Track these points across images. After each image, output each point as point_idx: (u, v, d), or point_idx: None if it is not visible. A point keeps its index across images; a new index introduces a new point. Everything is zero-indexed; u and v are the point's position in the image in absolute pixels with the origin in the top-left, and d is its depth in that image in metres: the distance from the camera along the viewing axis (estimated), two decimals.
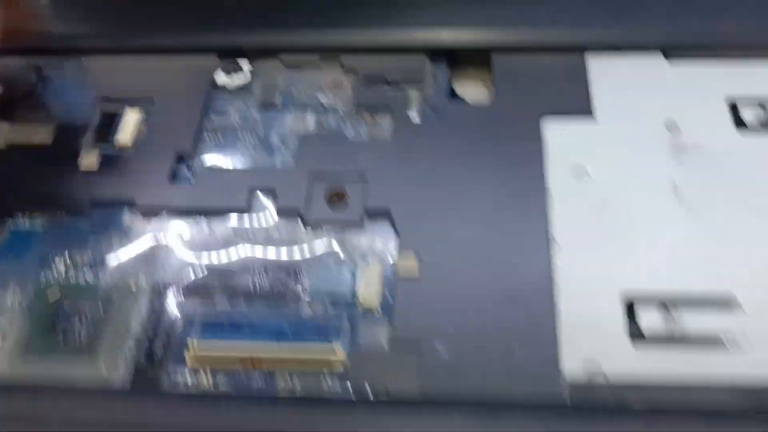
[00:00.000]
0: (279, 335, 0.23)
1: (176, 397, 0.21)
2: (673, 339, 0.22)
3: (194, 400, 0.21)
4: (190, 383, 0.22)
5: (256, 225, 0.26)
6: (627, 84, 0.28)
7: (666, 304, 0.22)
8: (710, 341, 0.22)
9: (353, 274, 0.24)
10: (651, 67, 0.29)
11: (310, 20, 0.30)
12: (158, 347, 0.23)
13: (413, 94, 0.29)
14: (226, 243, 0.25)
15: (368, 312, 0.23)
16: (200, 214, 0.26)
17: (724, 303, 0.22)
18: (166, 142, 0.28)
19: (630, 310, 0.23)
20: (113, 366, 0.22)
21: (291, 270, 0.24)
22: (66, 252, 0.25)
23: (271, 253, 0.25)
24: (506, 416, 0.20)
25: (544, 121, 0.27)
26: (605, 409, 0.20)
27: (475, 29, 0.30)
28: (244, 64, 0.30)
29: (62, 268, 0.25)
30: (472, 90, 0.30)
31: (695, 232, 0.24)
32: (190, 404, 0.21)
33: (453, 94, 0.30)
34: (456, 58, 0.30)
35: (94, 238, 0.26)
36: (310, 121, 0.29)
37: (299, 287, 0.24)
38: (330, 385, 0.22)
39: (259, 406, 0.21)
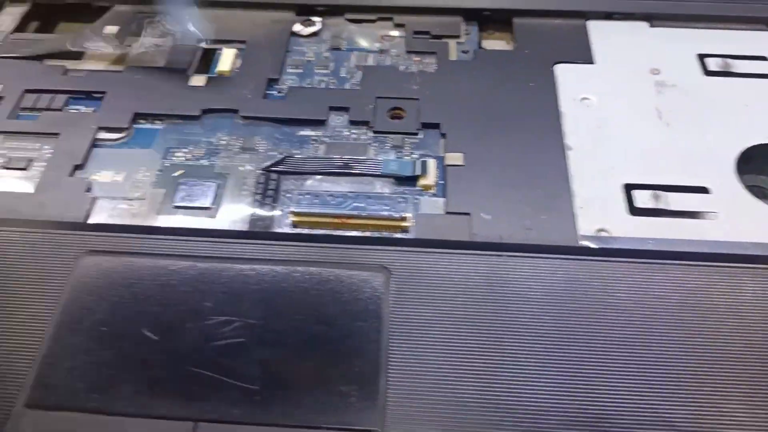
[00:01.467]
0: (361, 208, 0.29)
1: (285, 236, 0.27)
2: (661, 213, 0.28)
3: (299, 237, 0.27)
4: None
5: (330, 132, 0.32)
6: (620, 43, 0.35)
7: (655, 189, 0.29)
8: (687, 215, 0.28)
9: (414, 164, 0.30)
10: (638, 30, 0.36)
11: None
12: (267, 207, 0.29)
13: (451, 44, 0.36)
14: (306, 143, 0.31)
15: (427, 190, 0.29)
16: (288, 123, 0.32)
17: (698, 189, 0.29)
18: (259, 71, 0.34)
19: (628, 193, 0.29)
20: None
21: (367, 162, 0.30)
22: (184, 146, 0.31)
23: (349, 151, 0.31)
24: (539, 253, 0.26)
25: (555, 66, 0.34)
26: (608, 252, 0.26)
27: None
28: (317, 18, 0.37)
29: (181, 156, 0.31)
30: (496, 46, 0.37)
31: (672, 140, 0.31)
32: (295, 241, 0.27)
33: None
34: (484, 20, 0.37)
35: (206, 137, 0.32)
36: (370, 59, 0.35)
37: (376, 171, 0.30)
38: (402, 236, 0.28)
39: (346, 245, 0.27)
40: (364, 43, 0.36)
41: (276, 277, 0.25)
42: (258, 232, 0.28)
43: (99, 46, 0.35)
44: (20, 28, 0.38)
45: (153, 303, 0.25)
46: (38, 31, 0.39)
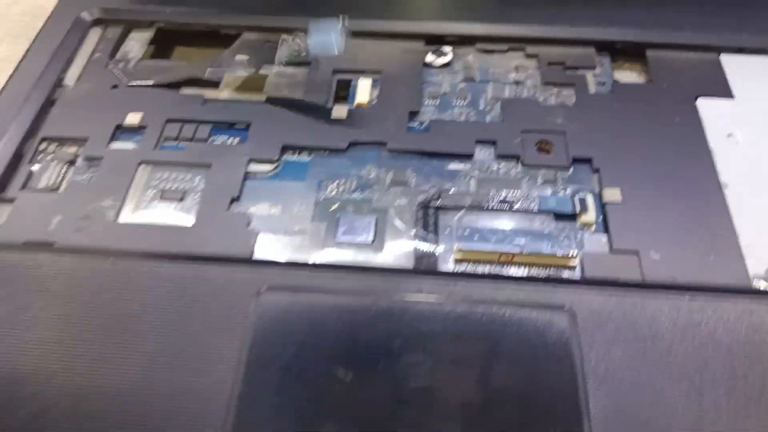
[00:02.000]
0: (524, 245, 0.28)
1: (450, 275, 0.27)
2: None
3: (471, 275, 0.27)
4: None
5: (479, 166, 0.32)
6: (756, 77, 0.35)
7: None
8: None
9: (573, 200, 0.30)
10: None
11: (500, 13, 0.37)
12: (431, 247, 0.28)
13: (589, 76, 0.35)
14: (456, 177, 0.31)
15: (587, 227, 0.29)
16: (435, 156, 0.32)
17: None
18: (397, 102, 0.34)
19: None
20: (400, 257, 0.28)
21: (526, 196, 0.30)
22: (334, 179, 0.31)
23: (501, 185, 0.31)
24: (708, 294, 0.26)
25: (698, 101, 0.34)
26: None
27: (632, 29, 0.36)
28: (447, 48, 0.36)
29: (333, 189, 0.31)
30: (628, 77, 0.37)
31: None
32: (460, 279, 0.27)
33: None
34: (616, 51, 0.37)
35: (354, 169, 0.31)
36: (506, 91, 0.35)
37: (533, 207, 0.30)
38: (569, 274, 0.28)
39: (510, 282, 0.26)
40: (496, 74, 0.36)
41: (459, 316, 0.25)
42: (428, 270, 0.28)
43: (237, 73, 0.34)
44: (149, 55, 0.38)
45: (339, 342, 0.25)
46: (154, 56, 0.39)
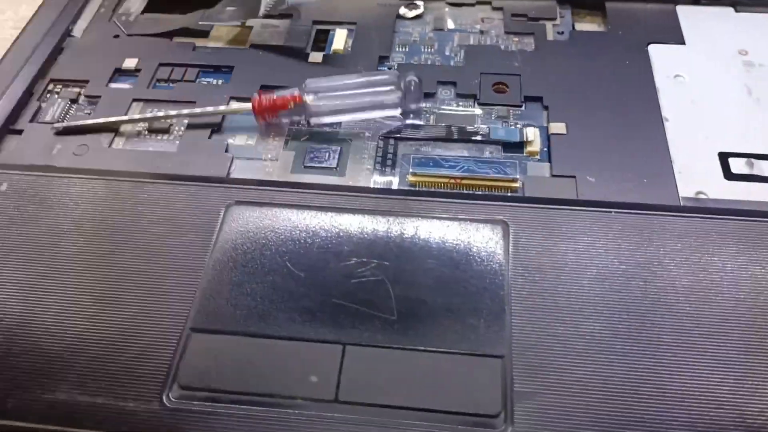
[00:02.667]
0: (472, 170, 0.31)
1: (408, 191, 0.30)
2: (755, 178, 0.30)
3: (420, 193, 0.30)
4: None
5: (439, 103, 0.34)
6: (708, 26, 0.37)
7: (749, 157, 0.31)
8: None
9: (520, 131, 0.32)
10: (724, 15, 0.38)
11: None
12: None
13: (548, 26, 0.38)
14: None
15: (532, 155, 0.32)
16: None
17: None
18: (370, 49, 0.37)
19: (723, 161, 0.31)
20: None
21: (476, 131, 0.33)
22: None
23: (458, 121, 0.33)
24: (639, 211, 0.28)
25: (650, 47, 0.36)
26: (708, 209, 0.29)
27: None
28: (419, 2, 0.39)
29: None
30: (587, 28, 0.39)
31: (763, 114, 0.32)
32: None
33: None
34: (577, 4, 0.39)
35: None
36: (471, 40, 0.38)
37: (480, 138, 0.32)
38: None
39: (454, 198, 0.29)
40: (464, 25, 0.39)
41: (406, 226, 0.28)
42: (383, 188, 0.30)
43: (224, 23, 0.38)
44: (148, 9, 0.41)
45: (297, 246, 0.28)
46: (154, 9, 0.42)
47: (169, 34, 0.39)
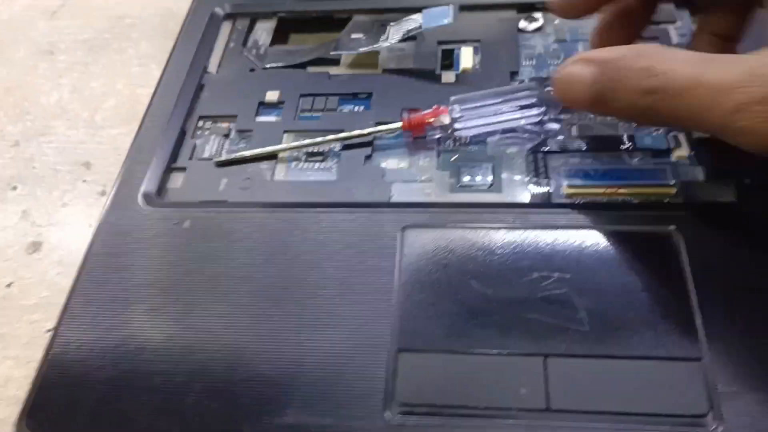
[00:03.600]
0: (626, 179, 0.32)
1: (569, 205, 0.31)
2: None
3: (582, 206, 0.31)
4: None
5: (578, 114, 0.36)
6: None
7: None
8: None
9: (666, 137, 0.33)
10: None
11: None
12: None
13: (670, 29, 0.39)
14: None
15: (681, 159, 0.33)
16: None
17: None
18: (498, 65, 0.38)
19: None
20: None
21: (621, 139, 0.34)
22: None
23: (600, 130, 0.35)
24: None
25: None
26: None
27: None
28: (538, 14, 0.40)
29: (450, 142, 0.35)
30: None
31: None
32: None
33: None
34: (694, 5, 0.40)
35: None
36: None
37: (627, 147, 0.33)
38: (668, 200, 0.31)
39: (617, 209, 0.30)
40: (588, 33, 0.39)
41: (577, 238, 0.29)
42: (543, 203, 0.32)
43: (356, 50, 0.39)
44: (275, 40, 0.43)
45: (477, 264, 0.29)
46: (275, 41, 0.44)
47: (302, 65, 0.40)
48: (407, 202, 0.33)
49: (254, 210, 0.33)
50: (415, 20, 0.38)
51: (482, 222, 0.31)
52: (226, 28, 0.44)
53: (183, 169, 0.36)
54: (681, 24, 0.39)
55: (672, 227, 0.29)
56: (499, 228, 0.30)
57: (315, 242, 0.31)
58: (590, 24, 0.39)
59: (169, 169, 0.36)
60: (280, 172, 0.35)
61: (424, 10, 0.38)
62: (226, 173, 0.35)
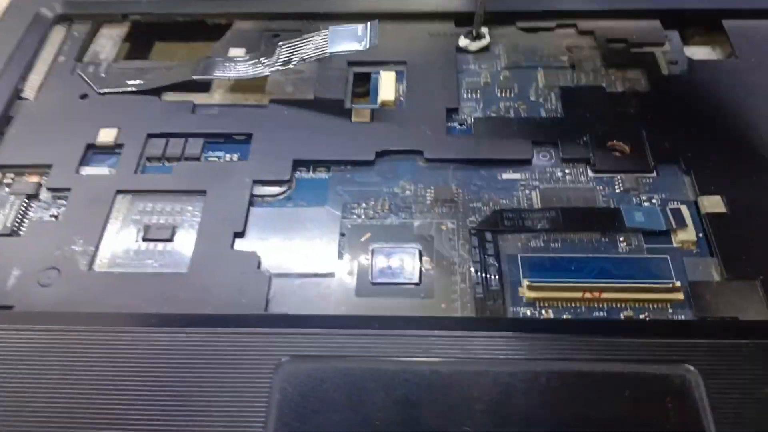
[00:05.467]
0: (610, 274, 0.22)
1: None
2: None
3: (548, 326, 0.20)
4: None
5: (539, 174, 0.25)
6: None
7: None
8: None
9: (665, 213, 0.23)
10: None
11: None
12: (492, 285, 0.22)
13: (658, 54, 0.29)
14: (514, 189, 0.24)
15: (686, 246, 0.23)
16: (484, 164, 0.25)
17: None
18: (430, 98, 0.27)
19: None
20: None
21: (602, 212, 0.24)
22: (362, 200, 0.24)
23: (572, 198, 0.24)
24: None
25: None
26: None
27: None
28: (483, 29, 0.30)
29: (361, 212, 0.24)
30: (701, 53, 0.30)
31: None
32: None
33: None
34: (684, 24, 0.30)
35: (386, 186, 0.25)
36: (560, 77, 0.28)
37: (614, 226, 0.23)
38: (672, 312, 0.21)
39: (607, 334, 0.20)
40: (544, 57, 0.29)
41: (553, 381, 0.19)
42: (495, 319, 0.21)
43: (231, 74, 0.27)
44: (121, 53, 0.31)
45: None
46: (131, 54, 0.32)
47: (155, 91, 0.28)
48: (287, 316, 0.21)
49: (50, 326, 0.20)
50: (316, 41, 0.26)
51: (404, 351, 0.20)
52: (57, 34, 0.31)
53: None
54: (668, 47, 0.29)
55: (687, 367, 0.19)
56: (428, 366, 0.19)
57: (144, 382, 0.19)
58: (549, 44, 0.29)
59: None
60: (104, 258, 0.23)
61: (332, 28, 0.26)
62: (21, 258, 0.23)
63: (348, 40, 0.26)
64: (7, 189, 0.25)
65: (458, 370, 0.19)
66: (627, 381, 0.19)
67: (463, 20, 0.30)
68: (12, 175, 0.26)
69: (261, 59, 0.27)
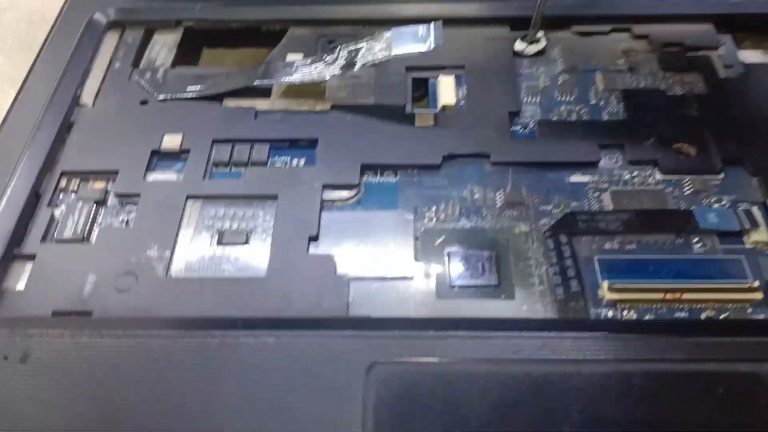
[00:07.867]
0: (688, 275, 0.22)
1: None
2: None
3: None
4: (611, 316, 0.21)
5: (607, 176, 0.25)
6: None
7: None
8: None
9: (738, 214, 0.23)
10: None
11: None
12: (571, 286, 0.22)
13: (715, 58, 0.29)
14: (583, 192, 0.25)
15: (760, 246, 0.23)
16: (551, 167, 0.25)
17: None
18: (491, 101, 0.27)
19: None
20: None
21: (675, 214, 0.24)
22: (432, 204, 0.24)
23: (643, 200, 0.24)
24: None
25: None
26: None
27: None
28: (539, 33, 0.30)
29: (433, 216, 0.24)
30: (754, 57, 0.30)
31: None
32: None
33: None
34: (736, 28, 0.30)
35: (454, 190, 0.25)
36: (618, 81, 0.28)
37: (687, 227, 0.23)
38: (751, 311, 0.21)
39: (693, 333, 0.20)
40: (601, 60, 0.29)
41: (647, 382, 0.19)
42: (583, 320, 0.21)
43: (294, 78, 0.27)
44: (179, 59, 0.31)
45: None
46: (179, 60, 0.32)
47: (216, 96, 0.28)
48: (370, 320, 0.21)
49: (136, 332, 0.20)
50: (378, 44, 0.26)
51: (488, 354, 0.20)
52: (110, 40, 0.31)
53: (31, 257, 0.23)
54: (724, 51, 0.29)
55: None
56: (519, 367, 0.19)
57: (234, 387, 0.19)
58: (605, 48, 0.29)
59: (10, 256, 0.23)
60: (180, 263, 0.23)
61: (394, 29, 0.26)
62: (96, 264, 0.23)
63: (411, 41, 0.26)
64: (72, 195, 0.25)
65: (551, 371, 0.19)
66: (720, 380, 0.19)
67: (518, 24, 0.30)
68: (77, 181, 0.26)
69: (324, 57, 0.27)
